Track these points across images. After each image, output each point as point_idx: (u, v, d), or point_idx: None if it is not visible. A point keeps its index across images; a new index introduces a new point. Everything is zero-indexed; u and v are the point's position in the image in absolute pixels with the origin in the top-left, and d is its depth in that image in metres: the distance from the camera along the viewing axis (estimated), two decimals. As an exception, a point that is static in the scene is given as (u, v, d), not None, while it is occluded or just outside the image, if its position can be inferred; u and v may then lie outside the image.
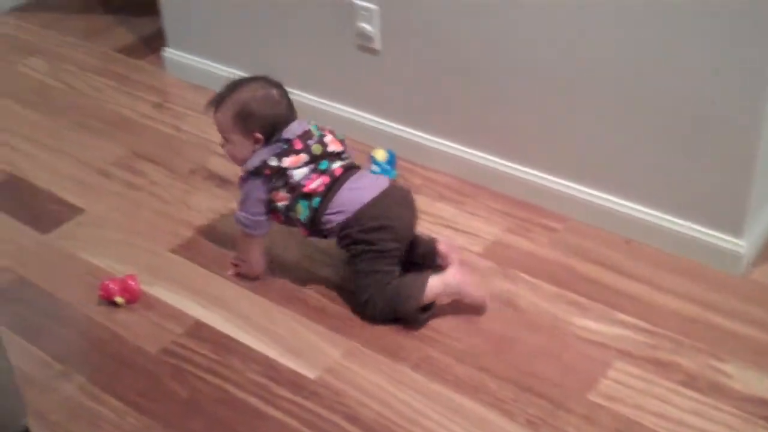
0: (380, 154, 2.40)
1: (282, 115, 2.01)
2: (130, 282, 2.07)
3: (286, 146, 1.97)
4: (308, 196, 1.97)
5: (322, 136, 2.02)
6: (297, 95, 2.59)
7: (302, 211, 1.99)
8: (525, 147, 2.27)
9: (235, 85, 2.05)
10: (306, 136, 1.99)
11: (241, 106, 1.99)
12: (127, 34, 3.26)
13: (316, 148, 1.99)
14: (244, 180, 2.02)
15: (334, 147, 2.02)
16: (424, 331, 1.95)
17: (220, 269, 2.15)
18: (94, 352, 1.97)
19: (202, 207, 2.36)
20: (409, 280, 1.94)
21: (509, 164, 2.31)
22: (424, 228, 2.17)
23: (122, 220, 2.34)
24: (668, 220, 2.11)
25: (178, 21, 2.87)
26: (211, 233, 2.26)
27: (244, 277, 2.12)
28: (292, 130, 1.99)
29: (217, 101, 2.04)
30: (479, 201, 2.34)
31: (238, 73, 2.67)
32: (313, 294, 2.07)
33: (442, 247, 2.03)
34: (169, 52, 2.95)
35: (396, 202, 2.00)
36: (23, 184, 2.50)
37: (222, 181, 2.45)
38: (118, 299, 2.06)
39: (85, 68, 3.05)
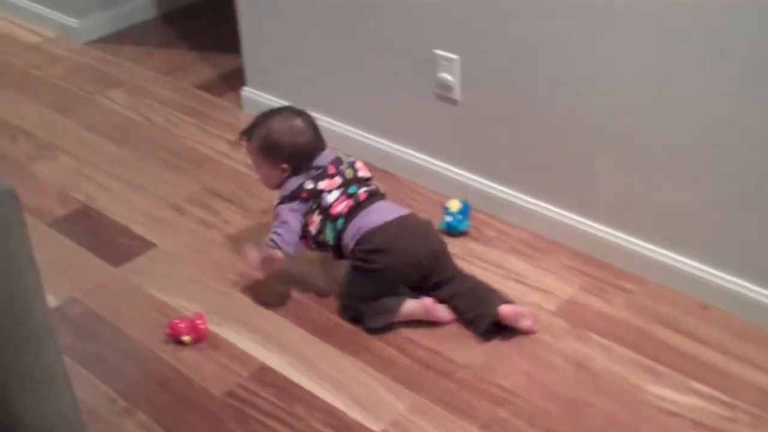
0: (454, 204, 2.37)
1: (307, 144, 2.09)
2: (198, 321, 2.07)
3: (321, 171, 2.07)
4: (334, 218, 2.04)
5: (351, 162, 2.11)
6: (373, 140, 2.61)
7: (329, 233, 2.06)
8: (602, 205, 2.22)
9: (264, 116, 2.14)
10: (337, 162, 2.10)
11: (266, 138, 2.09)
12: (207, 71, 3.29)
13: (349, 173, 2.09)
14: (280, 204, 2.08)
15: (363, 173, 2.12)
16: (494, 390, 1.91)
17: (288, 313, 2.14)
18: (158, 390, 1.96)
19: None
20: (387, 300, 2.03)
21: (585, 221, 2.27)
22: (496, 283, 2.13)
23: (193, 256, 2.34)
24: (747, 287, 2.04)
25: (258, 61, 2.89)
26: (281, 275, 2.24)
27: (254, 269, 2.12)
28: (324, 158, 2.09)
29: (248, 132, 2.15)
30: (553, 257, 2.29)
31: (316, 115, 2.70)
32: (381, 344, 2.04)
33: (506, 311, 2.00)
34: (248, 91, 2.97)
35: (408, 231, 2.05)
36: (98, 216, 2.52)
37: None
38: (186, 338, 2.05)
39: (166, 103, 3.09)
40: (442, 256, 2.10)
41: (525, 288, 2.19)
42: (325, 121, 2.70)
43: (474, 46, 2.28)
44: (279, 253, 2.06)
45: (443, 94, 2.39)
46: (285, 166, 2.08)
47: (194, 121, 2.98)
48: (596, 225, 2.25)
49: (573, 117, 2.16)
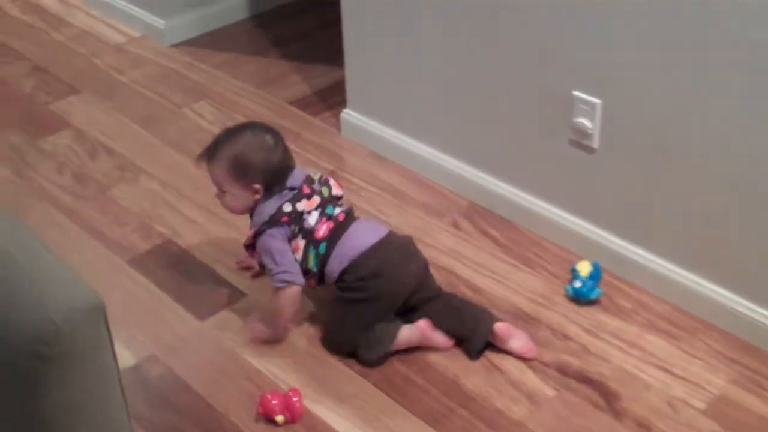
0: (584, 267, 2.07)
1: (281, 162, 1.92)
2: (294, 399, 1.82)
3: (296, 192, 1.90)
4: (317, 242, 1.90)
5: (324, 179, 1.98)
6: (493, 183, 2.32)
7: (312, 260, 1.91)
8: (760, 280, 1.91)
9: (228, 135, 1.95)
10: (309, 180, 1.95)
11: (235, 158, 1.90)
12: (302, 84, 3.03)
13: (324, 191, 1.95)
14: (258, 234, 1.89)
15: (336, 190, 1.99)
16: None
17: (398, 392, 1.87)
18: (246, 482, 1.72)
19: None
20: (381, 327, 1.89)
21: (739, 300, 1.95)
22: (632, 367, 1.85)
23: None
24: None
25: (363, 83, 2.61)
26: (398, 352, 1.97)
27: (264, 340, 1.97)
28: (296, 177, 1.93)
29: (209, 153, 1.94)
30: (698, 338, 1.98)
31: (425, 148, 2.42)
32: (502, 441, 1.77)
33: (501, 328, 1.89)
34: (348, 114, 2.69)
35: (394, 250, 1.92)
36: (182, 255, 2.28)
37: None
38: (279, 418, 1.81)
39: (257, 119, 2.82)
40: (426, 275, 1.98)
41: (667, 376, 1.89)
42: (435, 156, 2.42)
43: (619, 91, 1.97)
44: (292, 292, 1.89)
45: (579, 140, 2.09)
46: (257, 186, 1.90)
47: (288, 143, 2.70)
48: (753, 306, 1.94)
49: (728, 174, 1.85)
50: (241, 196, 1.93)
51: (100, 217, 2.41)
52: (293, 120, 2.83)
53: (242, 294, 2.15)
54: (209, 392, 1.90)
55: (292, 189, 1.91)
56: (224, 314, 2.10)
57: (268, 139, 1.93)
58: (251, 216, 1.95)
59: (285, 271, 1.88)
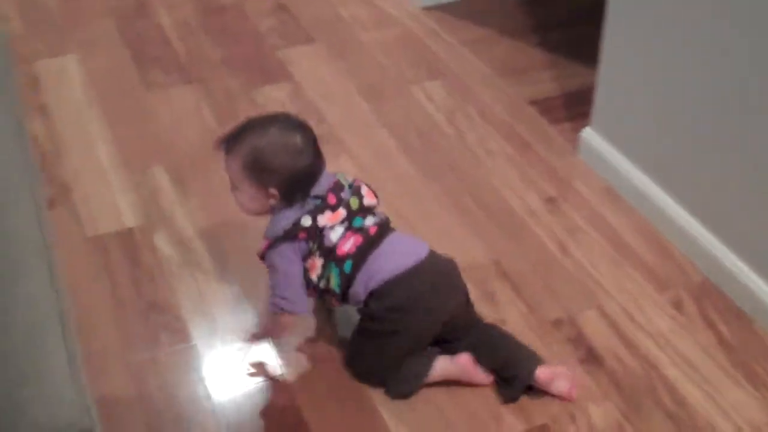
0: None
1: (308, 169, 1.63)
2: None
3: (319, 202, 1.62)
4: (340, 260, 1.62)
5: (355, 187, 1.67)
6: (732, 260, 1.87)
7: (334, 280, 1.63)
8: None
9: (252, 126, 1.66)
10: (337, 188, 1.65)
11: (255, 156, 1.62)
12: (549, 83, 2.65)
13: (354, 202, 1.65)
14: (270, 247, 1.63)
15: (369, 200, 1.68)
16: None
17: None
18: None
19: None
20: (414, 360, 1.67)
21: None
22: None
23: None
24: None
25: (613, 101, 2.20)
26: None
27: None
28: (322, 184, 1.65)
29: (229, 142, 1.66)
30: None
31: (667, 199, 2.00)
32: None
33: (544, 375, 1.66)
34: (589, 134, 2.30)
35: (434, 281, 1.64)
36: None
37: (590, 355, 1.79)
38: None
39: (488, 118, 2.49)
40: (466, 305, 1.73)
41: None
42: (677, 211, 2.00)
43: None
44: (289, 318, 1.69)
45: None
46: (273, 191, 1.63)
47: (514, 153, 2.36)
48: None
49: None
50: (255, 198, 1.66)
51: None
52: (528, 125, 2.46)
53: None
54: None
55: (315, 198, 1.63)
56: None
57: (297, 140, 1.63)
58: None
59: (285, 299, 1.64)
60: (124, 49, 2.75)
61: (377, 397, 1.70)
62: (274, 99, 2.54)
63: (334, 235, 1.62)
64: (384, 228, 1.67)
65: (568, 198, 2.20)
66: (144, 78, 2.63)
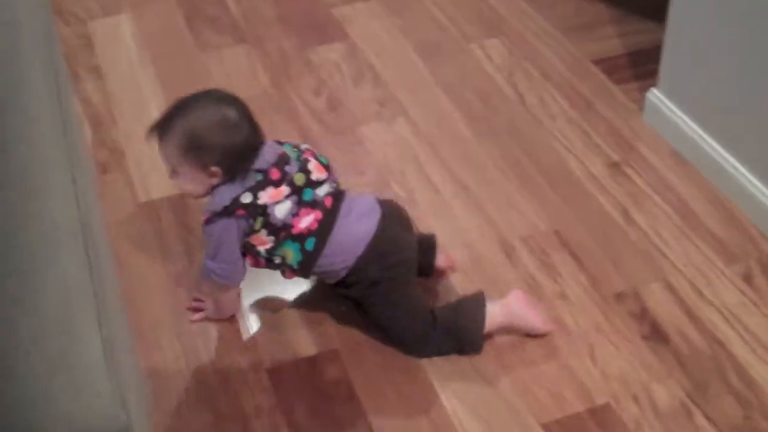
0: None
1: (243, 142, 1.58)
2: None
3: (260, 177, 1.56)
4: (301, 237, 1.58)
5: (303, 161, 1.61)
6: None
7: (293, 255, 1.60)
8: None
9: (182, 107, 1.62)
10: (282, 161, 1.59)
11: (190, 136, 1.58)
12: (615, 39, 2.53)
13: (299, 178, 1.59)
14: (209, 222, 1.60)
15: (318, 174, 1.61)
16: None
17: None
18: None
19: (611, 365, 1.66)
20: (466, 303, 1.67)
21: None
22: None
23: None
24: None
25: (683, 59, 2.09)
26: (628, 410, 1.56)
27: (210, 318, 1.74)
28: (265, 158, 1.58)
29: (161, 128, 1.62)
30: None
31: (740, 167, 1.90)
32: None
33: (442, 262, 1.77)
34: (655, 95, 2.19)
35: (397, 224, 1.67)
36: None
37: (654, 331, 1.72)
38: None
39: (549, 76, 2.40)
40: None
41: None
42: (750, 179, 1.90)
43: None
44: (236, 290, 1.72)
45: None
46: (215, 169, 1.58)
47: (575, 114, 2.27)
48: None
49: None
50: (197, 179, 1.61)
51: (340, 157, 2.13)
52: (591, 84, 2.37)
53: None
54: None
55: (258, 172, 1.57)
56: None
57: (231, 114, 1.59)
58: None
59: (217, 266, 1.63)
60: (177, 8, 2.70)
61: (430, 369, 1.65)
62: (328, 59, 2.48)
63: (281, 211, 1.57)
64: (338, 198, 1.63)
65: (632, 163, 2.11)
66: (197, 38, 2.58)
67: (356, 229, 1.61)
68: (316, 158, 1.65)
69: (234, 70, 2.45)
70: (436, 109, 2.29)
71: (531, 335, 1.69)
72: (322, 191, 1.62)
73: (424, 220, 1.96)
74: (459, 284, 1.82)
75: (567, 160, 2.13)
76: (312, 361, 1.69)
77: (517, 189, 2.05)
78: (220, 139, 1.58)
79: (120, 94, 2.37)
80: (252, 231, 1.59)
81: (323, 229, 1.59)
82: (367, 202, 1.67)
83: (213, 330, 1.75)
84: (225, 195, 1.58)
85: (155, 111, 2.28)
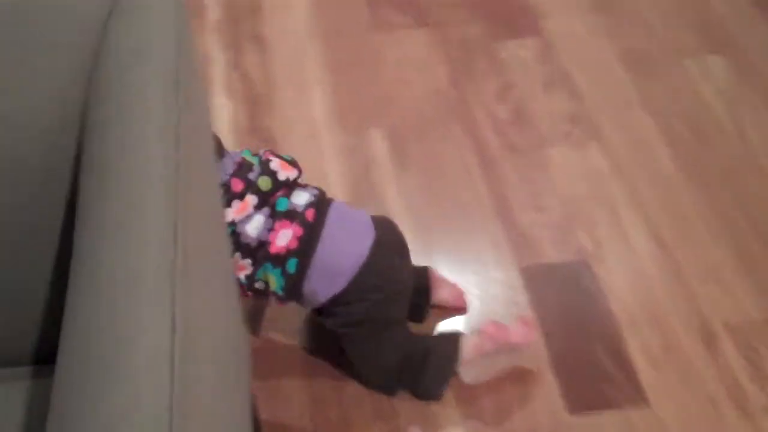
0: None
1: None
2: None
3: (221, 193, 1.33)
4: (280, 259, 1.33)
5: (264, 162, 1.36)
6: None
7: (275, 280, 1.35)
8: None
9: None
10: (242, 169, 1.34)
11: None
12: None
13: (264, 182, 1.34)
14: None
15: (285, 173, 1.37)
16: None
17: None
18: None
19: None
20: (438, 337, 1.54)
21: None
22: None
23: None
24: None
25: None
26: None
27: None
28: (224, 170, 1.34)
29: None
30: None
31: None
32: None
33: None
34: None
35: (394, 252, 1.42)
36: (589, 292, 1.65)
37: None
38: None
39: (778, 109, 2.02)
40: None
41: None
42: None
43: None
44: None
45: None
46: None
47: (809, 165, 1.89)
48: None
49: None
50: None
51: (516, 183, 1.84)
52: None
53: (644, 399, 1.49)
54: None
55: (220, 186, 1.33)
56: (610, 415, 1.46)
57: None
58: None
59: None
60: (359, -24, 2.42)
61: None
62: (518, 57, 2.16)
63: (252, 227, 1.33)
64: (321, 208, 1.37)
65: None
66: (374, 14, 2.31)
67: (344, 250, 1.36)
68: (279, 156, 1.40)
69: (409, 58, 2.17)
70: (637, 137, 1.96)
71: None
72: (301, 200, 1.36)
73: (610, 284, 1.65)
74: (645, 379, 1.51)
75: (792, 225, 1.76)
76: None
77: (728, 258, 1.70)
78: None
79: (281, 72, 2.13)
80: None
81: (305, 247, 1.34)
82: (360, 219, 1.42)
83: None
84: None
85: (317, 98, 2.05)
